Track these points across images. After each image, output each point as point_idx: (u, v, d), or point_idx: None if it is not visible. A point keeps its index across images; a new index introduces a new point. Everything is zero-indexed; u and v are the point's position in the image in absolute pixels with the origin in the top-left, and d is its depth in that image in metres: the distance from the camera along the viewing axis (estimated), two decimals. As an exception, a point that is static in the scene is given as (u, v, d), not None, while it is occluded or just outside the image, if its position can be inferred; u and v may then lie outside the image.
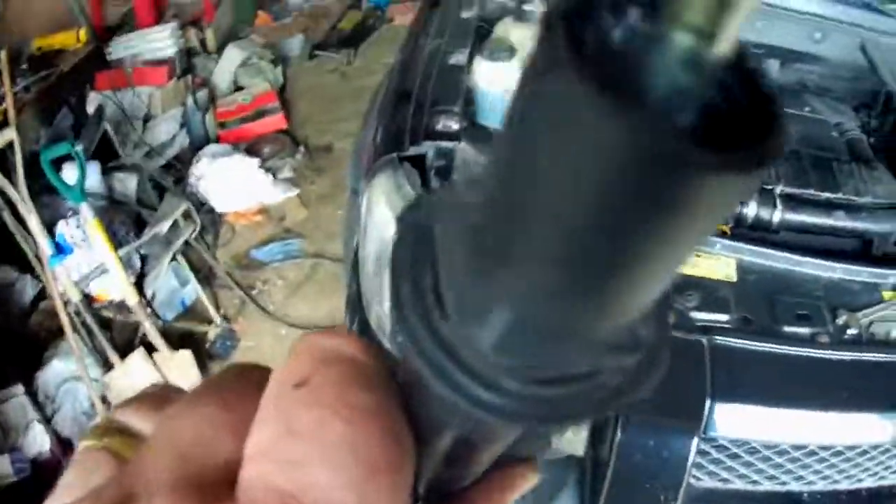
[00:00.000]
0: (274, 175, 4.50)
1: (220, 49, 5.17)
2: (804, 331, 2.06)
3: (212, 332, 3.72)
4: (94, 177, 3.64)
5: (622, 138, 0.22)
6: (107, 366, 3.36)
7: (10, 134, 3.25)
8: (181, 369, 3.31)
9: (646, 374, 0.34)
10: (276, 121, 4.88)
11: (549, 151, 0.25)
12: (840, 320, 2.10)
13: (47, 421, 3.30)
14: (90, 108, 4.15)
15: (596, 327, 0.30)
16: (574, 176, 0.24)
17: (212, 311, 3.75)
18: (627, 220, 0.25)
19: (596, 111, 0.22)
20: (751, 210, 2.23)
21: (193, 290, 3.81)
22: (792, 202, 2.28)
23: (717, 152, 0.23)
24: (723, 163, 0.23)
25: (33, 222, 3.24)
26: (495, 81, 2.38)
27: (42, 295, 3.65)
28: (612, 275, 0.27)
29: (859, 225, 2.38)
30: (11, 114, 3.35)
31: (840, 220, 2.33)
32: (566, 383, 0.32)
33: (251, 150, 4.61)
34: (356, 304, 2.23)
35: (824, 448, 2.02)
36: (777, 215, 2.25)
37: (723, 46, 0.23)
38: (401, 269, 0.34)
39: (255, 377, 0.38)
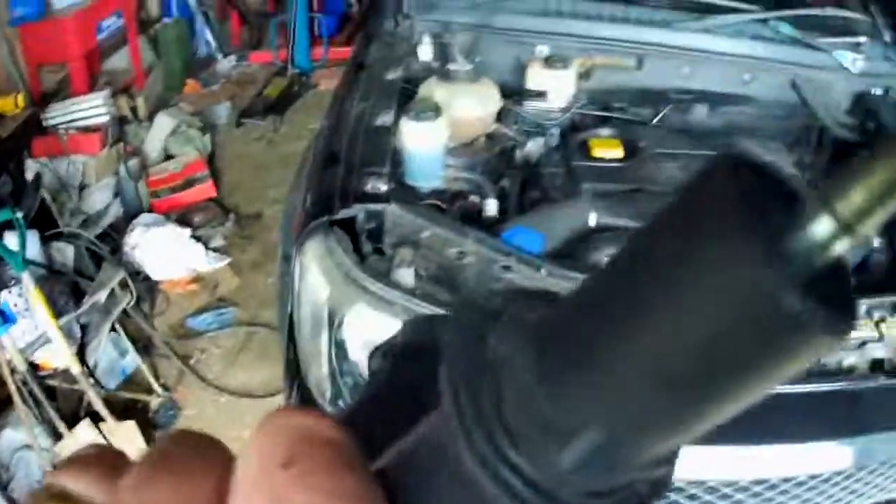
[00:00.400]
0: (205, 244, 4.52)
1: (151, 117, 5.22)
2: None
3: (154, 402, 3.71)
4: (33, 245, 3.60)
5: (766, 294, 0.25)
6: (56, 435, 3.31)
7: None
8: (127, 439, 3.28)
9: (666, 481, 0.35)
10: (205, 189, 4.91)
11: (694, 295, 0.27)
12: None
13: (3, 488, 3.26)
14: (28, 175, 4.16)
15: (667, 446, 0.32)
16: (711, 317, 0.27)
17: (152, 380, 3.74)
18: (738, 361, 0.27)
19: (753, 271, 0.26)
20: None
21: (133, 360, 3.79)
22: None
23: (828, 319, 0.26)
24: (830, 326, 0.26)
25: None
26: (421, 141, 2.41)
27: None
28: (704, 405, 0.29)
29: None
30: None
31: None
32: (612, 494, 0.33)
33: (182, 220, 4.63)
34: (294, 368, 2.23)
35: (786, 480, 2.05)
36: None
37: (855, 240, 0.27)
38: (458, 380, 0.34)
39: (209, 451, 0.38)
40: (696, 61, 2.78)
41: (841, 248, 0.26)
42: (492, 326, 0.34)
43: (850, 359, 2.18)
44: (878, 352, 2.20)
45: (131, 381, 3.81)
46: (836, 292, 0.27)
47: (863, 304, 2.25)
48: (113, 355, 3.68)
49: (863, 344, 2.21)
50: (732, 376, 0.28)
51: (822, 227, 0.26)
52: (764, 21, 2.94)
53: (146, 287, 4.18)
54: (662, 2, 2.95)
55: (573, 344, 0.31)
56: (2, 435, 3.35)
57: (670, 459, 0.34)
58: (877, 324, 2.23)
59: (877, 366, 2.18)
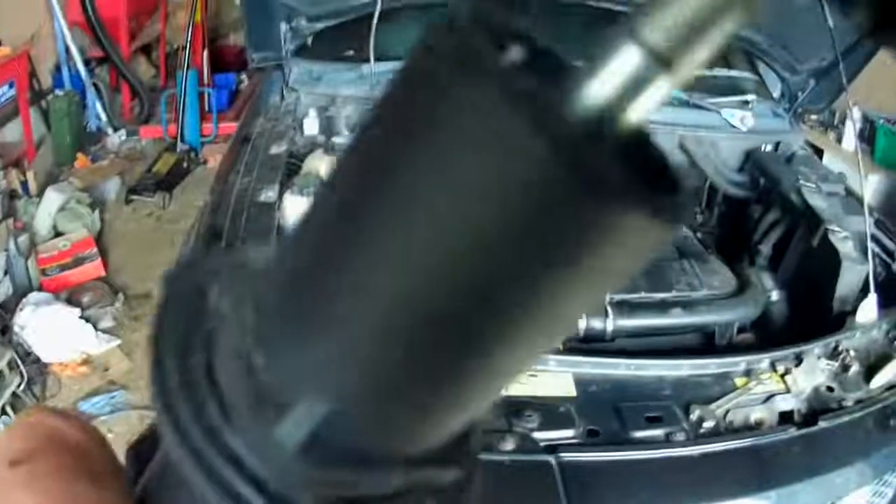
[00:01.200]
0: (95, 325, 4.43)
1: (41, 191, 5.13)
2: (657, 432, 2.07)
3: None
4: None
5: (548, 156, 0.20)
6: None
7: None
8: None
9: (462, 488, 0.29)
10: (94, 268, 4.81)
11: (436, 174, 0.22)
12: (694, 416, 2.12)
13: None
14: None
15: (439, 430, 0.27)
16: (463, 203, 0.21)
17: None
18: (524, 264, 0.22)
19: (520, 125, 0.20)
20: (580, 323, 2.24)
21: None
22: (624, 308, 2.31)
23: (643, 187, 0.21)
24: (647, 199, 0.21)
25: None
26: (305, 216, 2.39)
27: None
28: (481, 341, 0.23)
29: (698, 319, 2.44)
30: None
31: (678, 318, 2.38)
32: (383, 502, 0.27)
33: (71, 299, 4.52)
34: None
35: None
36: (610, 324, 2.28)
37: (676, 80, 0.22)
38: (165, 348, 0.28)
39: None
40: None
41: (659, 90, 0.22)
42: (214, 278, 0.29)
43: (757, 413, 2.19)
44: (785, 404, 2.21)
45: None
46: (652, 164, 0.23)
47: (766, 358, 2.27)
48: None
49: (770, 397, 2.22)
50: (514, 293, 0.22)
51: (629, 61, 0.21)
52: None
53: (37, 369, 4.07)
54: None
55: (290, 291, 0.26)
56: None
57: (455, 456, 0.29)
58: (782, 376, 2.25)
59: (785, 418, 2.19)
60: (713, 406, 2.16)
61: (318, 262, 0.25)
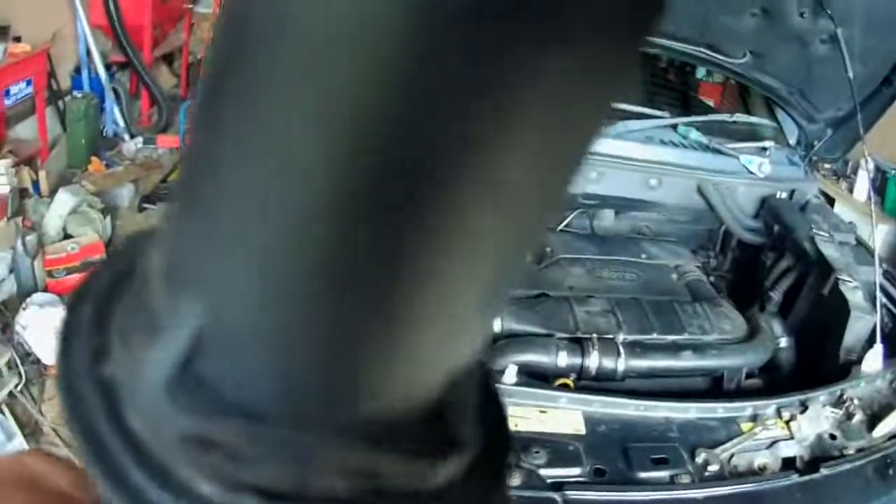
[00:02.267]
0: None
1: (52, 192, 5.07)
2: (663, 474, 2.08)
3: None
4: None
5: None
6: None
7: None
8: None
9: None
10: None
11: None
12: (699, 459, 2.13)
13: None
14: None
15: (367, 377, 0.21)
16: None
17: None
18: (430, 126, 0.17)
19: None
20: (593, 361, 2.26)
21: (20, 445, 3.60)
22: (636, 349, 2.32)
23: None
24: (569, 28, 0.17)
25: None
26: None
27: None
28: (395, 241, 0.19)
29: (708, 363, 2.44)
30: None
31: (688, 361, 2.38)
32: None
33: None
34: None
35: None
36: (621, 364, 2.28)
37: None
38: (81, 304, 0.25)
39: None
40: (605, 166, 2.82)
41: None
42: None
43: (761, 459, 2.20)
44: (788, 450, 2.22)
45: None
46: None
47: (772, 404, 2.28)
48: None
49: (774, 443, 2.23)
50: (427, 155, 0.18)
51: None
52: (674, 127, 3.00)
53: (36, 370, 4.04)
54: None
55: (182, 190, 0.22)
56: None
57: (425, 442, 0.23)
58: (787, 423, 2.26)
59: (788, 464, 2.19)
60: (718, 450, 2.17)
61: (202, 151, 0.21)
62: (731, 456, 2.18)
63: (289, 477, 0.21)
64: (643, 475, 2.07)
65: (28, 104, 5.32)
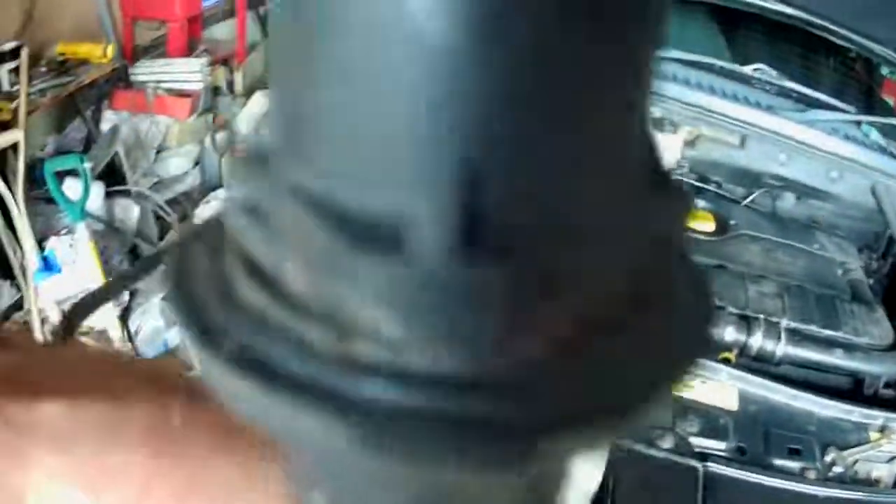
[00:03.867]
0: None
1: (246, 94, 5.11)
2: (794, 465, 2.07)
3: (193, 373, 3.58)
4: (96, 198, 3.46)
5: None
6: None
7: (17, 135, 3.09)
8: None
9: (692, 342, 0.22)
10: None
11: None
12: (828, 457, 2.11)
13: None
14: (104, 126, 4.06)
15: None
16: None
17: (194, 358, 3.61)
18: None
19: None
20: (756, 341, 2.23)
21: (178, 334, 3.70)
22: (796, 337, 2.29)
23: None
24: None
25: (24, 232, 3.09)
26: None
27: (16, 306, 3.54)
28: None
29: (854, 365, 2.40)
30: (22, 114, 3.18)
31: (838, 359, 2.34)
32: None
33: None
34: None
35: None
36: (781, 349, 2.26)
37: None
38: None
39: None
40: (793, 150, 2.77)
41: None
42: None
43: (879, 470, 2.18)
44: (906, 467, 2.19)
45: (172, 354, 3.66)
46: None
47: (896, 420, 2.26)
48: (158, 325, 3.57)
49: (893, 458, 2.20)
50: None
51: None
52: (858, 124, 2.93)
53: None
54: (771, 88, 2.94)
55: None
56: None
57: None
58: (911, 440, 2.23)
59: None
60: (846, 453, 2.15)
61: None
62: (856, 462, 2.17)
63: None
64: (777, 462, 2.06)
65: (228, 7, 5.27)
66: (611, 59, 0.18)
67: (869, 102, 3.20)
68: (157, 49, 4.54)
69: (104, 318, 3.18)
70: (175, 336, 3.61)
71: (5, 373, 0.39)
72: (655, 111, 2.72)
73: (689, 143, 2.76)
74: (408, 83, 0.17)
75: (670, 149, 2.68)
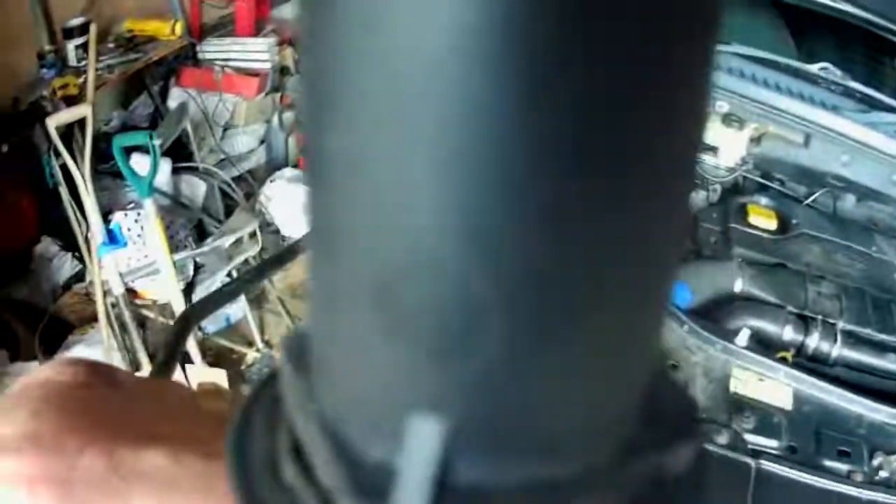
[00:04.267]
0: None
1: None
2: (843, 467, 2.06)
3: (251, 356, 3.60)
4: (163, 174, 3.51)
5: None
6: (134, 365, 3.26)
7: (85, 110, 3.11)
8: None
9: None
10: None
11: None
12: (875, 461, 2.09)
13: None
14: (171, 103, 4.10)
15: (615, 385, 0.21)
16: None
17: (256, 334, 3.62)
18: None
19: None
20: (813, 341, 2.23)
21: (241, 310, 3.66)
22: (851, 339, 2.28)
23: None
24: None
25: (90, 205, 3.11)
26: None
27: (77, 277, 3.58)
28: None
29: (909, 371, 2.40)
30: (90, 89, 3.21)
31: (891, 363, 2.33)
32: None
33: None
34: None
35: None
36: (836, 350, 2.25)
37: None
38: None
39: None
40: (856, 152, 2.74)
41: None
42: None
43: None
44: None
45: (234, 330, 3.70)
46: None
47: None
48: None
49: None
50: None
51: None
52: (921, 127, 2.90)
53: (273, 241, 4.08)
54: (836, 88, 2.91)
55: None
56: (73, 350, 3.27)
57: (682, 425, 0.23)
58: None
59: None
60: (892, 457, 2.15)
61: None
62: (901, 467, 2.16)
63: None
64: (826, 463, 2.06)
65: (296, -13, 5.26)
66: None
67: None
68: (224, 27, 4.56)
69: (168, 292, 3.21)
70: (237, 312, 3.63)
71: (114, 414, 0.39)
72: (723, 106, 2.71)
73: (755, 140, 2.74)
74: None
75: (736, 145, 2.66)
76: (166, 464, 0.36)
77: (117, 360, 3.22)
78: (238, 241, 3.51)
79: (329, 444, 0.21)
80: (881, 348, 2.34)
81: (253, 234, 3.56)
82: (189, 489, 0.36)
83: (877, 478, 2.09)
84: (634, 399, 0.21)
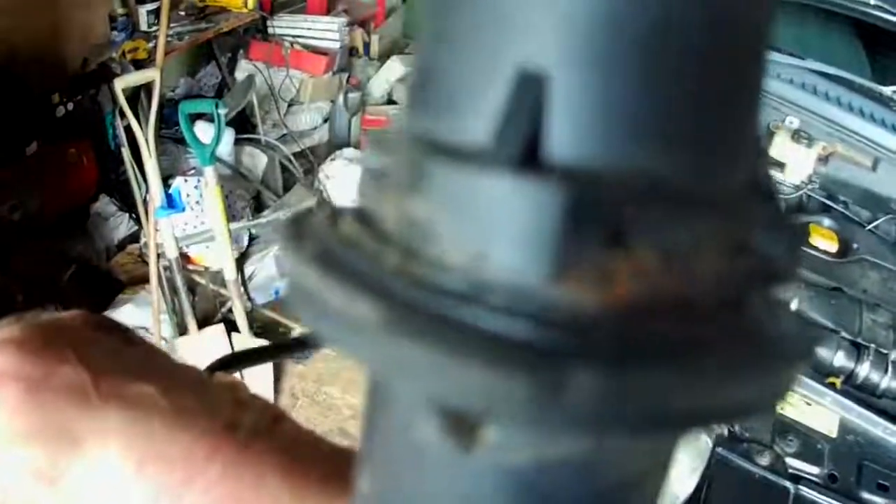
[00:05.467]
0: None
1: (381, 57, 5.09)
2: (881, 501, 2.02)
3: (297, 330, 3.56)
4: (226, 143, 3.54)
5: None
6: (180, 328, 3.30)
7: (154, 74, 3.13)
8: (256, 359, 3.20)
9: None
10: None
11: None
12: (914, 497, 2.05)
13: None
14: (238, 75, 4.12)
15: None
16: None
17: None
18: None
19: None
20: (863, 370, 2.17)
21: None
22: (902, 370, 2.23)
23: None
24: None
25: (151, 168, 3.13)
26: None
27: (132, 238, 3.60)
28: None
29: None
30: (160, 54, 3.22)
31: (940, 398, 2.29)
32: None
33: None
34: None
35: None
36: (886, 381, 2.20)
37: None
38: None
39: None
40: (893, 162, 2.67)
41: None
42: None
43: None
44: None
45: (281, 303, 3.70)
46: None
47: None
48: (272, 272, 3.59)
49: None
50: None
51: None
52: None
53: None
54: (909, 111, 2.84)
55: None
56: (122, 309, 3.31)
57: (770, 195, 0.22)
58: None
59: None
60: (929, 493, 2.11)
61: None
62: (940, 502, 2.12)
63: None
64: (865, 496, 2.02)
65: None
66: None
67: None
68: (296, 4, 4.58)
69: (221, 260, 3.23)
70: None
71: (115, 357, 0.39)
72: (794, 122, 2.65)
73: (823, 160, 2.68)
74: None
75: (804, 162, 2.60)
76: (153, 393, 0.35)
77: (165, 322, 3.26)
78: (297, 220, 3.49)
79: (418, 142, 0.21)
80: (932, 382, 2.29)
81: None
82: (173, 423, 0.35)
83: (912, 514, 2.05)
84: (752, 136, 0.21)
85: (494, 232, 0.18)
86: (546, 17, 0.18)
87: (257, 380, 3.10)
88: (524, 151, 0.18)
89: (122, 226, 3.53)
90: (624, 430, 0.18)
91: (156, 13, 3.40)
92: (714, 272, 0.19)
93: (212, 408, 0.37)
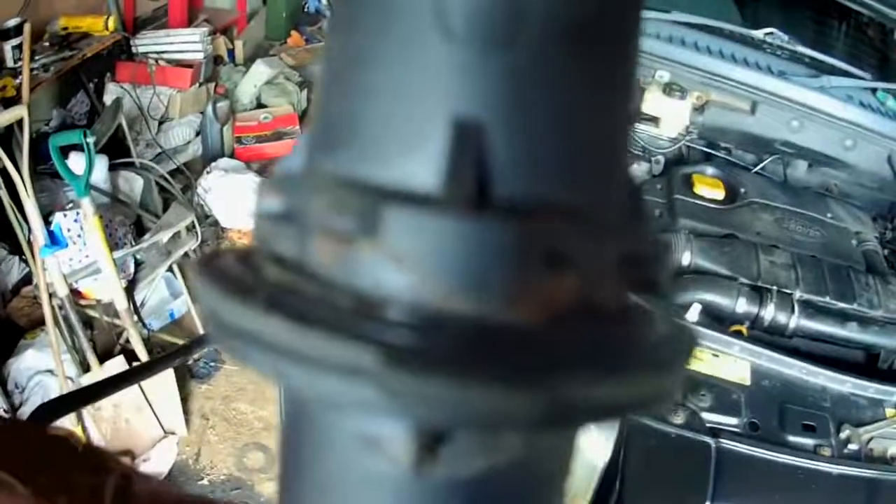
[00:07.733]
0: None
1: (246, 62, 5.03)
2: (808, 442, 1.99)
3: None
4: (100, 171, 3.40)
5: None
6: (84, 366, 3.17)
7: (21, 111, 3.02)
8: (160, 384, 3.15)
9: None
10: (293, 145, 4.68)
11: None
12: (843, 434, 2.03)
13: (13, 410, 3.11)
14: (107, 99, 4.00)
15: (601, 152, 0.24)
16: None
17: (200, 328, 3.52)
18: None
19: None
20: (768, 313, 2.14)
21: (184, 304, 3.60)
22: (809, 309, 2.21)
23: None
24: None
25: (30, 207, 3.03)
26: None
27: (26, 280, 3.49)
28: None
29: (869, 338, 2.31)
30: (26, 90, 3.13)
31: (852, 332, 2.26)
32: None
33: (263, 171, 4.40)
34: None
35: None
36: (794, 321, 2.17)
37: None
38: None
39: None
40: (805, 117, 2.67)
41: None
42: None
43: (894, 449, 2.11)
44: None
45: (178, 325, 3.63)
46: None
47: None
48: (164, 295, 3.50)
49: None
50: None
51: None
52: (873, 91, 2.84)
53: (213, 233, 4.04)
54: (783, 53, 2.85)
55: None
56: (24, 355, 3.20)
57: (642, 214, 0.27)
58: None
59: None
60: (861, 430, 2.09)
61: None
62: (871, 439, 2.10)
63: None
64: (791, 439, 1.98)
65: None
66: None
67: (884, 69, 3.11)
68: (158, 20, 4.56)
69: (110, 290, 3.14)
70: (181, 306, 3.58)
71: None
72: (664, 75, 2.64)
73: (698, 109, 2.66)
74: None
75: (679, 114, 2.59)
76: None
77: (67, 362, 3.16)
78: (177, 236, 3.44)
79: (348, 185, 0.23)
80: (841, 317, 2.26)
81: (192, 228, 3.49)
82: None
83: (846, 451, 2.03)
84: (625, 156, 0.25)
85: (457, 268, 0.21)
86: (473, 76, 0.21)
87: (163, 401, 3.08)
88: (477, 194, 0.21)
89: (13, 269, 3.43)
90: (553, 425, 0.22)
91: (20, 48, 3.30)
92: (612, 285, 0.23)
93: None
